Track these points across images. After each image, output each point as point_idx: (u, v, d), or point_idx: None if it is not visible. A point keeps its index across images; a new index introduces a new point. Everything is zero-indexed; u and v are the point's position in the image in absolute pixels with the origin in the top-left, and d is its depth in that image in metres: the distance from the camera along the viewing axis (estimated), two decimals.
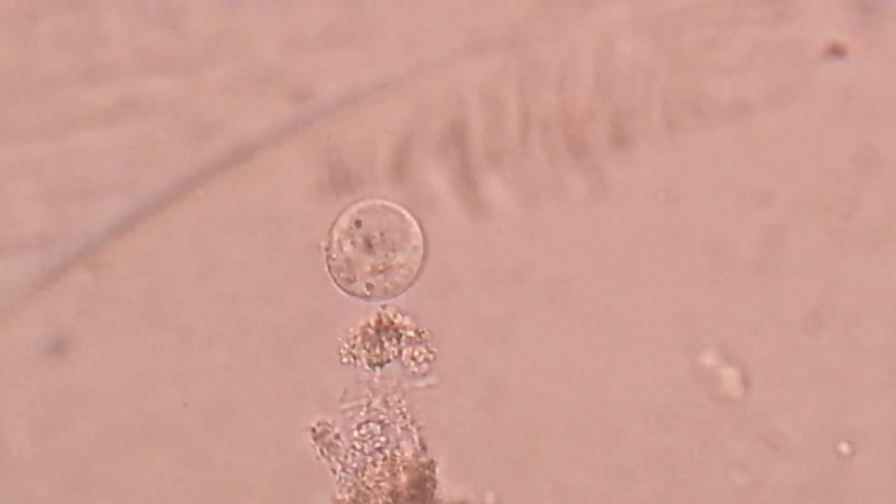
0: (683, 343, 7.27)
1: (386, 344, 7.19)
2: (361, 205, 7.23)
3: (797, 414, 7.26)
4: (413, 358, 7.20)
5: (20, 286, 7.16)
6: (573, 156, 7.26)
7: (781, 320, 7.28)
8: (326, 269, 7.21)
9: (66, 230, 7.18)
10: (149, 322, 7.19)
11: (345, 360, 7.18)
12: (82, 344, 7.17)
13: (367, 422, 7.19)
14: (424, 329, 7.21)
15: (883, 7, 7.32)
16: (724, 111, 7.30)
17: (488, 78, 7.28)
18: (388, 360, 7.20)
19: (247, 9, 7.27)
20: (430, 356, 7.21)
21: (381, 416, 7.20)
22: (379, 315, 7.21)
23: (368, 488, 7.17)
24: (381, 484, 7.18)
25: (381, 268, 7.21)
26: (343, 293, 7.21)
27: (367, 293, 7.21)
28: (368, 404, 7.19)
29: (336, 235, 7.20)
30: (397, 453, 7.20)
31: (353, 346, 7.18)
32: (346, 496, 7.18)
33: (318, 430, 7.17)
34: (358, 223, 7.20)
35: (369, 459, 7.19)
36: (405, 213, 7.23)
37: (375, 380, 7.20)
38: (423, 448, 7.21)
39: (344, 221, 7.21)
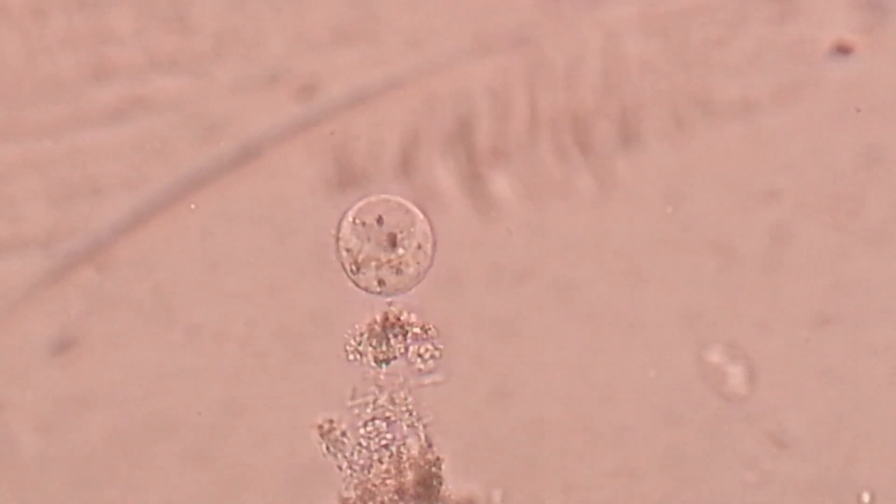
0: (690, 341, 7.28)
1: (392, 341, 7.19)
2: (372, 199, 7.23)
3: (804, 411, 7.27)
4: (419, 355, 7.21)
5: (27, 284, 7.17)
6: (580, 154, 7.26)
7: (788, 318, 7.28)
8: (338, 260, 7.21)
9: (74, 228, 7.19)
10: (156, 320, 7.20)
11: (351, 357, 7.18)
12: (89, 342, 7.18)
13: (373, 419, 7.19)
14: (431, 326, 7.22)
15: (889, 6, 7.32)
16: (731, 109, 7.30)
17: (495, 76, 7.28)
18: (395, 357, 7.20)
19: (254, 7, 7.27)
20: (437, 353, 7.21)
21: (388, 414, 7.20)
22: (385, 312, 7.22)
23: (375, 485, 7.18)
24: (388, 481, 7.19)
25: (394, 263, 7.21)
26: (355, 288, 7.21)
27: (379, 289, 7.21)
28: (375, 401, 7.20)
29: (349, 229, 7.20)
30: (403, 450, 7.20)
31: (360, 343, 7.18)
32: (353, 493, 7.19)
33: (325, 427, 7.18)
34: (380, 220, 7.20)
35: (375, 456, 7.19)
36: (415, 209, 7.23)
37: (382, 377, 7.20)
38: (430, 445, 7.21)
39: (357, 215, 7.21)
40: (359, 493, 7.19)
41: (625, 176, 7.28)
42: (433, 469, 7.21)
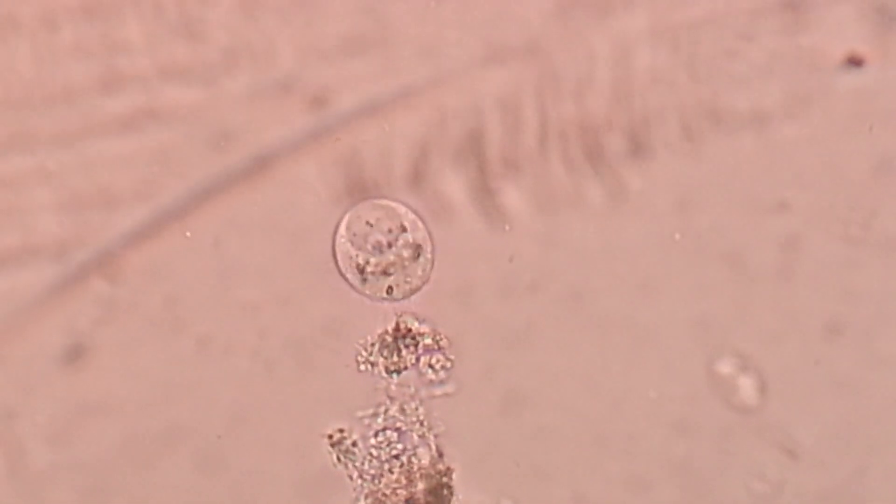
0: (701, 351, 7.27)
1: (403, 351, 7.19)
2: (364, 204, 7.23)
3: (814, 422, 7.26)
4: (430, 365, 7.21)
5: (39, 294, 7.18)
6: (591, 165, 7.26)
7: (799, 329, 7.27)
8: (342, 269, 7.23)
9: (85, 238, 7.19)
10: (167, 330, 7.21)
11: (362, 367, 7.18)
12: (101, 352, 7.18)
13: (384, 429, 7.19)
14: (442, 336, 7.22)
15: None
16: (742, 120, 7.29)
17: (506, 87, 7.28)
18: (406, 368, 7.20)
19: (266, 18, 7.28)
20: (448, 364, 7.21)
21: (399, 424, 7.20)
22: (397, 322, 7.21)
23: (385, 495, 7.18)
24: (398, 491, 7.19)
25: (391, 267, 7.21)
26: (362, 297, 7.21)
27: (385, 295, 7.21)
28: (386, 411, 7.20)
29: (348, 235, 7.21)
30: (414, 461, 7.20)
31: (371, 354, 7.18)
32: (364, 503, 7.19)
33: (336, 437, 7.18)
34: (369, 224, 7.20)
35: (386, 467, 7.19)
36: (409, 212, 7.24)
37: (393, 387, 7.20)
38: (440, 455, 7.21)
39: (352, 222, 7.21)
40: (369, 503, 7.18)
41: (635, 187, 7.28)
42: (444, 479, 7.21)
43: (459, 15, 7.30)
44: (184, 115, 7.24)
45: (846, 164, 7.30)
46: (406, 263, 7.20)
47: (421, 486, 7.20)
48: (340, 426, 7.18)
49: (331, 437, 7.18)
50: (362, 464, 7.18)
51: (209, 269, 7.24)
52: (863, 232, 7.26)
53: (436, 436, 7.21)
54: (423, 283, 7.24)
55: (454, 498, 7.21)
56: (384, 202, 7.23)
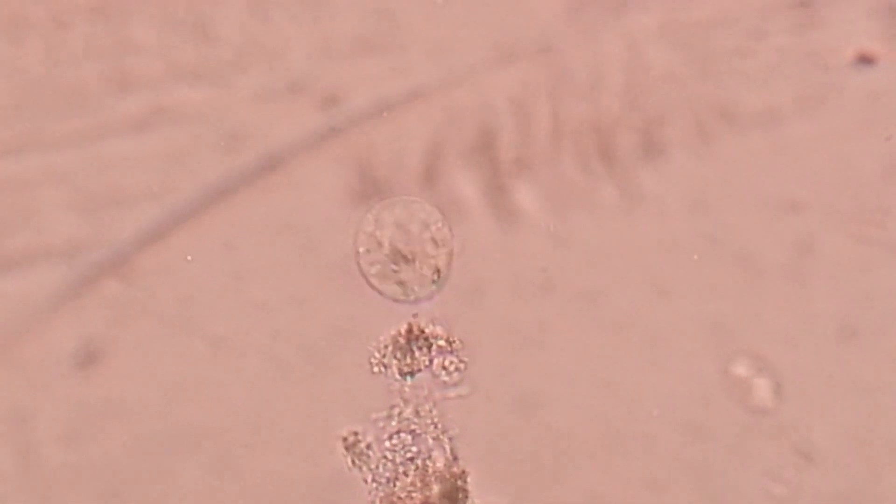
0: (715, 353, 7.26)
1: (417, 353, 7.17)
2: (386, 202, 7.23)
3: (830, 424, 7.24)
4: (444, 367, 7.18)
5: (51, 295, 7.16)
6: (603, 164, 7.26)
7: (814, 329, 7.27)
8: (359, 268, 7.22)
9: (97, 239, 7.18)
10: (180, 331, 7.18)
11: (376, 369, 7.16)
12: (113, 353, 7.16)
13: (398, 432, 7.16)
14: (455, 338, 7.20)
15: None
16: (754, 119, 7.30)
17: (518, 87, 7.29)
18: (420, 370, 7.18)
19: (277, 18, 7.29)
20: (462, 366, 7.19)
21: (413, 426, 7.17)
22: (410, 324, 7.20)
23: (400, 498, 7.14)
24: (413, 494, 7.15)
25: (412, 267, 7.21)
26: (380, 299, 7.20)
27: (401, 297, 7.20)
28: (399, 414, 7.17)
29: (367, 235, 7.20)
30: (429, 463, 7.17)
31: (384, 356, 7.16)
32: None
33: (350, 439, 7.14)
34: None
35: (401, 469, 7.16)
36: (435, 211, 7.23)
37: (406, 389, 7.18)
38: (455, 458, 7.18)
39: (372, 222, 7.21)
40: None
41: (648, 186, 7.28)
42: (459, 482, 7.17)
43: (471, 14, 7.32)
44: (195, 116, 7.24)
45: (859, 162, 7.32)
46: (426, 264, 7.20)
47: (436, 489, 7.17)
48: (354, 429, 7.15)
49: (345, 439, 7.15)
50: (377, 467, 7.15)
51: (221, 270, 7.22)
52: (877, 231, 7.27)
53: (450, 438, 7.18)
54: (442, 284, 7.24)
55: (469, 501, 7.17)
56: (410, 199, 7.23)
